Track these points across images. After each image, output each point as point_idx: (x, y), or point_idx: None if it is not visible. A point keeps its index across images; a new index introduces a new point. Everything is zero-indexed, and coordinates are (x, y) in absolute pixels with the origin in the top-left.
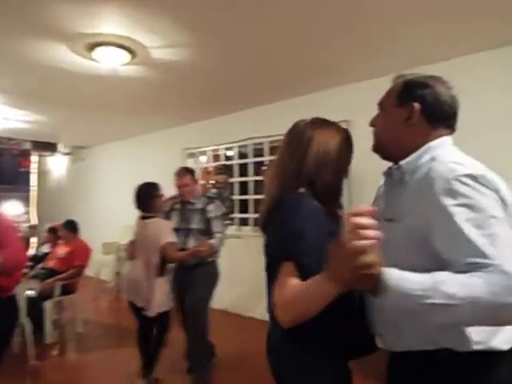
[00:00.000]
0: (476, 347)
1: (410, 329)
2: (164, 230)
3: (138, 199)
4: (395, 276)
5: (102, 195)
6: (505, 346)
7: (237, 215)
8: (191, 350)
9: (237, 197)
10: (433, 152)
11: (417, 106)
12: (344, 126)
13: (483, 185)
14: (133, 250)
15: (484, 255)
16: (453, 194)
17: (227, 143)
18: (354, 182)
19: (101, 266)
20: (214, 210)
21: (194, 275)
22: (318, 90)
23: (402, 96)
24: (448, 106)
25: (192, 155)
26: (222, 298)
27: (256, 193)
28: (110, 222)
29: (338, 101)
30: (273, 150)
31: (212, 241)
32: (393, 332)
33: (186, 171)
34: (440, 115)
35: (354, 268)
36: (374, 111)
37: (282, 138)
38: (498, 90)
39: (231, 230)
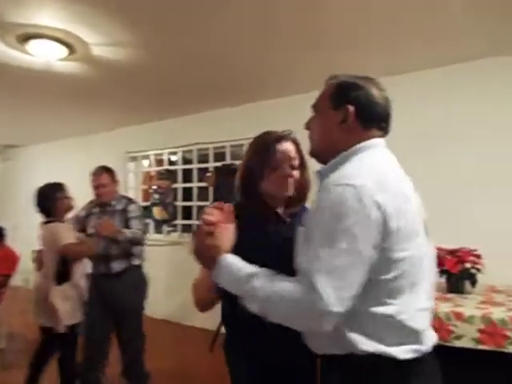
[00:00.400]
0: (365, 348)
1: (318, 332)
2: (60, 233)
3: (38, 202)
4: (229, 260)
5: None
6: (402, 355)
7: (180, 222)
8: (129, 370)
9: (180, 203)
10: (357, 155)
11: (351, 108)
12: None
13: (358, 196)
14: (40, 259)
15: (314, 273)
16: (318, 200)
17: (171, 148)
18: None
19: (30, 275)
20: (135, 210)
21: (119, 284)
22: (265, 99)
23: (336, 98)
24: (381, 107)
25: (134, 159)
26: (162, 306)
27: (200, 199)
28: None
29: (283, 111)
30: (218, 156)
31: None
32: (310, 336)
33: (103, 170)
34: (373, 117)
35: (199, 250)
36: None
37: (227, 144)
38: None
39: (174, 236)
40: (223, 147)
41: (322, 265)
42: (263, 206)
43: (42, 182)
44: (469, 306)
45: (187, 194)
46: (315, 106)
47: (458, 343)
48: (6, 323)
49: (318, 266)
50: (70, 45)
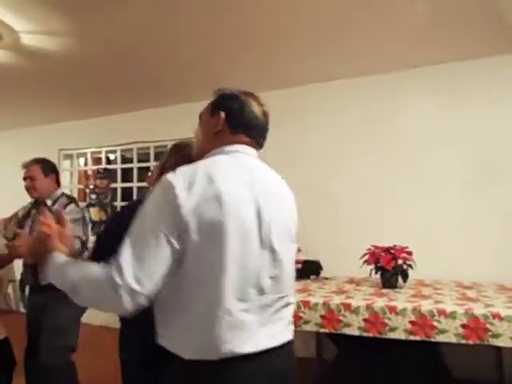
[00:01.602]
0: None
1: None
2: None
3: None
4: (55, 256)
5: None
6: (186, 356)
7: None
8: None
9: (119, 203)
10: (212, 157)
11: (223, 114)
12: None
13: (163, 189)
14: None
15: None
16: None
17: (109, 146)
18: None
19: None
20: (73, 211)
21: (48, 299)
22: (207, 99)
23: (213, 106)
24: (255, 119)
25: (69, 157)
26: (101, 313)
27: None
28: None
29: None
30: (159, 156)
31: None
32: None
33: (33, 161)
34: (242, 123)
35: (32, 249)
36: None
37: (168, 143)
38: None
39: None
40: (165, 146)
41: (127, 250)
42: None
43: None
44: (401, 299)
45: (127, 193)
46: (200, 116)
47: (392, 335)
48: None
49: (123, 251)
50: None
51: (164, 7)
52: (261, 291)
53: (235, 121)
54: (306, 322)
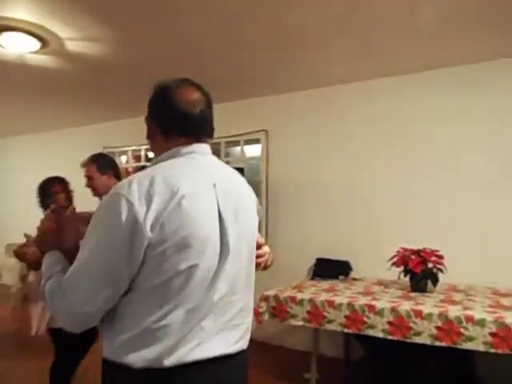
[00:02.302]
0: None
1: None
2: None
3: (37, 196)
4: (54, 253)
5: (9, 191)
6: (137, 364)
7: None
8: None
9: None
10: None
11: (150, 119)
12: (263, 135)
13: (112, 202)
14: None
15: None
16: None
17: (141, 145)
18: (270, 187)
19: (3, 270)
20: None
21: None
22: (240, 99)
23: (149, 109)
24: (178, 113)
25: (111, 154)
26: None
27: None
28: (15, 221)
29: (258, 110)
30: None
31: None
32: None
33: (90, 161)
34: (170, 124)
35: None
36: (291, 122)
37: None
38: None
39: None
40: None
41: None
42: None
43: (14, 176)
44: (428, 304)
45: None
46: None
47: (417, 339)
48: None
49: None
50: (42, 38)
51: (201, 11)
52: (216, 295)
53: (163, 122)
54: (330, 321)
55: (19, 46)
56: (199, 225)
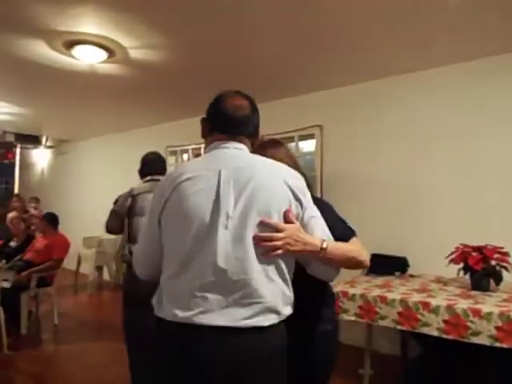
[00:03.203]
0: None
1: None
2: None
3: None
4: None
5: (84, 189)
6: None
7: None
8: None
9: None
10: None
11: (203, 118)
12: (317, 130)
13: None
14: None
15: None
16: None
17: (201, 143)
18: (325, 182)
19: (81, 260)
20: None
21: None
22: (294, 95)
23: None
24: (223, 116)
25: (174, 153)
26: None
27: None
28: (91, 216)
29: (312, 106)
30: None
31: None
32: None
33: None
34: (215, 123)
35: None
36: (345, 117)
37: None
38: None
39: None
40: (258, 141)
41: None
42: None
43: (90, 174)
44: (489, 303)
45: None
46: None
47: (475, 340)
48: (59, 302)
49: None
50: (109, 49)
51: (248, 10)
52: (221, 271)
53: (211, 122)
54: (383, 318)
55: (90, 57)
56: (193, 202)
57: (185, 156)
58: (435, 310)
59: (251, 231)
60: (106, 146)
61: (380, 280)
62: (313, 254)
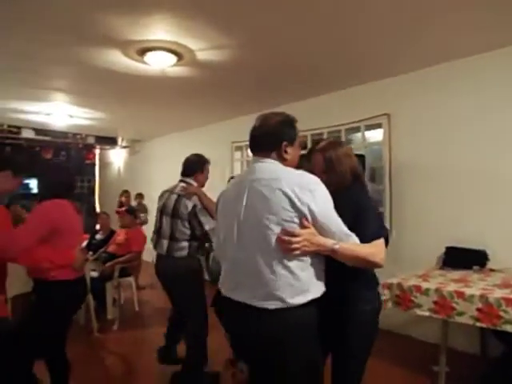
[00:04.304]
0: None
1: None
2: None
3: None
4: None
5: (155, 185)
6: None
7: None
8: None
9: None
10: None
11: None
12: (384, 119)
13: None
14: None
15: None
16: None
17: None
18: (394, 172)
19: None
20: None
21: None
22: (359, 84)
23: None
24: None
25: (239, 148)
26: None
27: None
28: None
29: (378, 94)
30: (315, 143)
31: None
32: None
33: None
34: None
35: None
36: (413, 104)
37: (324, 130)
38: None
39: None
40: (321, 133)
41: None
42: None
43: (161, 170)
44: None
45: None
46: None
47: None
48: (138, 291)
49: None
50: (178, 53)
51: (310, 5)
52: (230, 260)
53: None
54: (460, 314)
55: (160, 63)
56: (224, 210)
57: (249, 151)
58: None
59: (255, 231)
60: (175, 143)
61: (456, 274)
62: (327, 253)
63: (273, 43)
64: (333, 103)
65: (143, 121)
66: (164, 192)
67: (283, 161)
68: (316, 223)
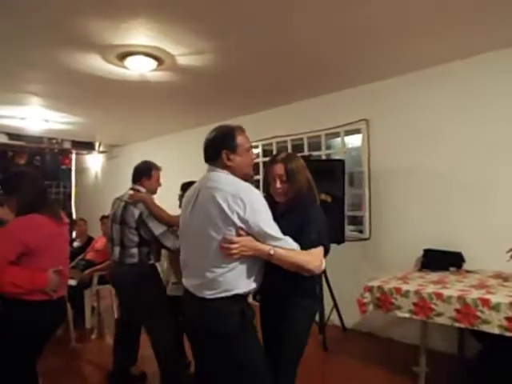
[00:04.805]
0: None
1: None
2: None
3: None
4: None
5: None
6: None
7: None
8: None
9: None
10: None
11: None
12: (363, 124)
13: None
14: None
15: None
16: None
17: (252, 141)
18: (372, 176)
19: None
20: None
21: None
22: (338, 90)
23: None
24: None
25: None
26: None
27: None
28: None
29: (357, 100)
30: (296, 148)
31: None
32: None
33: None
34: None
35: None
36: (391, 109)
37: (304, 136)
38: None
39: None
40: (301, 139)
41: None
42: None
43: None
44: None
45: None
46: None
47: None
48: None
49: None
50: (158, 58)
51: (294, 10)
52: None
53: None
54: (439, 315)
55: (140, 67)
56: (182, 212)
57: None
58: (496, 307)
59: (197, 235)
60: (156, 148)
61: (434, 276)
62: (265, 257)
63: (252, 49)
64: (313, 109)
65: (122, 125)
66: (115, 200)
67: (227, 167)
68: (250, 230)
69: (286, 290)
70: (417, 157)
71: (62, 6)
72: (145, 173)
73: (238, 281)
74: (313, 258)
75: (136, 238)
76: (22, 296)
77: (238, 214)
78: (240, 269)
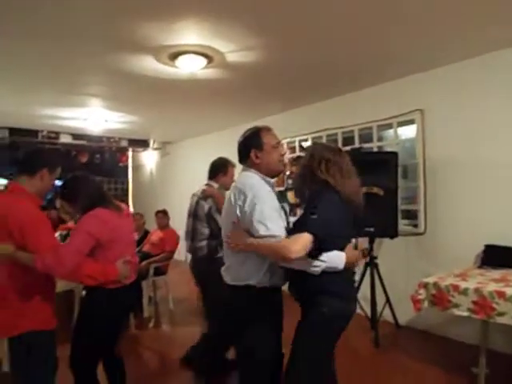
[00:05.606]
0: None
1: None
2: None
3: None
4: None
5: (186, 186)
6: None
7: None
8: None
9: None
10: None
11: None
12: (417, 114)
13: None
14: None
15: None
16: None
17: (302, 135)
18: (428, 168)
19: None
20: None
21: None
22: (391, 80)
23: None
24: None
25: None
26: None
27: None
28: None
29: (411, 90)
30: (346, 141)
31: None
32: None
33: None
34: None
35: None
36: (447, 99)
37: (355, 128)
38: None
39: None
40: (351, 131)
41: None
42: None
43: (191, 172)
44: None
45: None
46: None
47: None
48: (173, 289)
49: None
50: (208, 56)
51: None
52: None
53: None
54: (501, 314)
55: (191, 66)
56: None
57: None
58: None
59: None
60: (204, 144)
61: (496, 273)
62: (250, 250)
63: (301, 43)
64: (364, 100)
65: (174, 123)
66: (192, 195)
67: (256, 165)
68: (244, 223)
69: (306, 289)
70: (475, 147)
71: (119, 13)
72: (221, 169)
73: (250, 273)
74: (290, 243)
75: (207, 231)
76: (99, 286)
77: (239, 207)
78: (251, 261)
